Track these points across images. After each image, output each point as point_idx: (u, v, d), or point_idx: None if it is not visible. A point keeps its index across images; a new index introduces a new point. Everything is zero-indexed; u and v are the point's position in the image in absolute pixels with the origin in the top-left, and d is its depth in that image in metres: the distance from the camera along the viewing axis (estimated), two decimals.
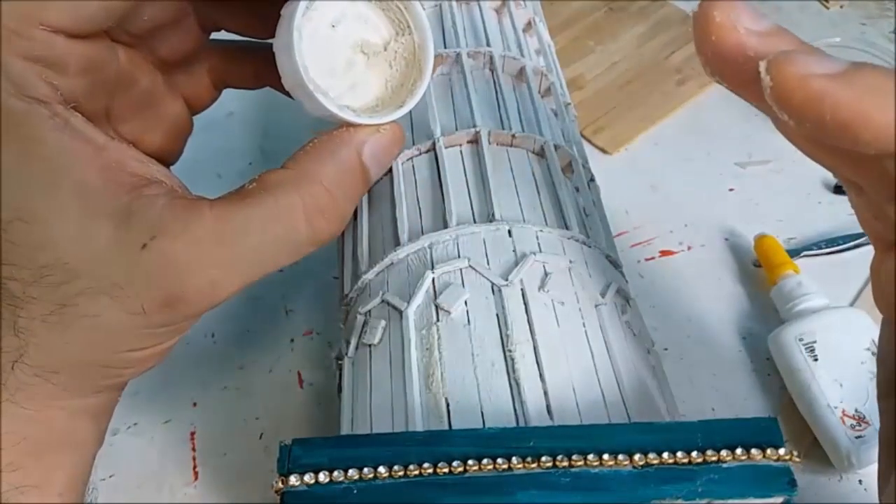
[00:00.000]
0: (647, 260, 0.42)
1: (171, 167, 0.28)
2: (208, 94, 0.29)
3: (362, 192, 0.25)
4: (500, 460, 0.20)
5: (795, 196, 0.44)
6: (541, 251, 0.27)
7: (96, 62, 0.23)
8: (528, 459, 0.20)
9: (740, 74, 0.17)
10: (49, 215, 0.20)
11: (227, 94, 0.30)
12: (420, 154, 0.31)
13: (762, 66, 0.16)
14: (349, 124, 0.24)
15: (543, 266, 0.26)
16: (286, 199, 0.22)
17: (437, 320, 0.25)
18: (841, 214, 0.44)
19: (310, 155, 0.23)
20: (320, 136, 0.24)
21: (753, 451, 0.20)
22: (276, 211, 0.22)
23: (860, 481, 0.33)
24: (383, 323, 0.26)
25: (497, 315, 0.25)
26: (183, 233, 0.21)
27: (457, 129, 0.31)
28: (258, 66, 0.29)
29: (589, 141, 0.48)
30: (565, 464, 0.20)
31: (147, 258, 0.20)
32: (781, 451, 0.20)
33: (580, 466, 0.20)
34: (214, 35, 0.28)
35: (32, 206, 0.20)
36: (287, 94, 0.25)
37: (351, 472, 0.20)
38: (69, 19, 0.21)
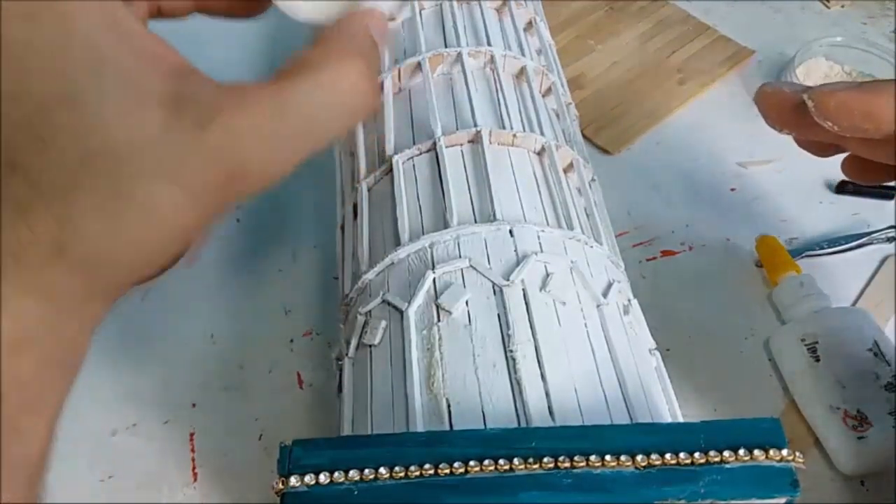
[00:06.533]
0: (648, 260, 0.42)
1: None
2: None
3: (378, 68, 0.26)
4: (501, 461, 0.20)
5: (797, 196, 0.44)
6: (542, 251, 0.27)
7: None
8: (530, 460, 0.20)
9: (793, 117, 0.27)
10: (94, 99, 0.20)
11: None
12: (421, 154, 0.31)
13: (805, 97, 0.26)
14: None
15: (545, 266, 0.26)
16: (333, 70, 0.23)
17: (438, 320, 0.25)
18: (843, 214, 0.43)
19: (333, 34, 0.24)
20: (328, 27, 0.25)
21: (756, 451, 0.20)
22: (328, 80, 0.23)
23: (862, 482, 0.33)
24: (384, 323, 0.26)
25: (498, 315, 0.25)
26: (241, 110, 0.21)
27: (457, 129, 0.31)
28: None
29: (590, 141, 0.47)
30: (567, 465, 0.20)
31: (206, 137, 0.20)
32: (784, 451, 0.20)
33: (582, 467, 0.20)
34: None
35: (75, 90, 0.19)
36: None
37: (352, 472, 0.20)
38: None
